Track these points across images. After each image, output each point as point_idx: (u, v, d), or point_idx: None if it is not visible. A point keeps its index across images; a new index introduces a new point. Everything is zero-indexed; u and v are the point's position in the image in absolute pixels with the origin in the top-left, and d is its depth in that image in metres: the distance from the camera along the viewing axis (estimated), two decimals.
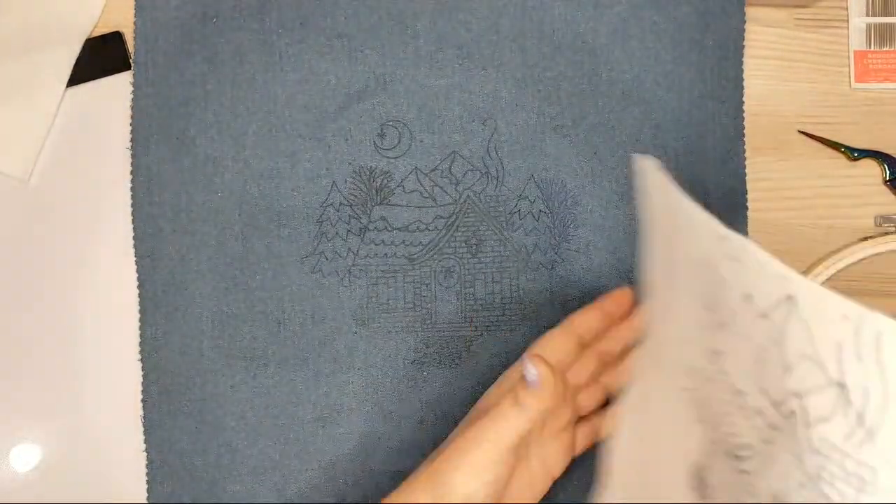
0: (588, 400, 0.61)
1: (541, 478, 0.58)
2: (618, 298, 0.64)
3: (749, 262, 0.34)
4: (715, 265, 0.37)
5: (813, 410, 0.30)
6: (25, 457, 0.71)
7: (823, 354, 0.30)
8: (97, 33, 0.74)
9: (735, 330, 0.36)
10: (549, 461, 0.58)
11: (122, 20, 0.74)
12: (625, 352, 0.61)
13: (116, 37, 0.74)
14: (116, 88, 0.73)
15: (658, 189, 0.44)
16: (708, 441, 0.38)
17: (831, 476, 0.29)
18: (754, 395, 0.34)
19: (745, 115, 0.73)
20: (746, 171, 0.73)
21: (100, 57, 0.73)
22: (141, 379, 0.71)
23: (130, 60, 0.73)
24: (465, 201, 0.72)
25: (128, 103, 0.73)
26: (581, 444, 0.61)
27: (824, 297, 0.30)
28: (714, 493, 0.38)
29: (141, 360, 0.71)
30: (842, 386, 0.29)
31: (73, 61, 0.73)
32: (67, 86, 0.73)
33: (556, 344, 0.61)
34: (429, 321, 0.72)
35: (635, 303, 0.63)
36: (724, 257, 0.36)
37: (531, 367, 0.54)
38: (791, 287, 0.31)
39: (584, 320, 0.63)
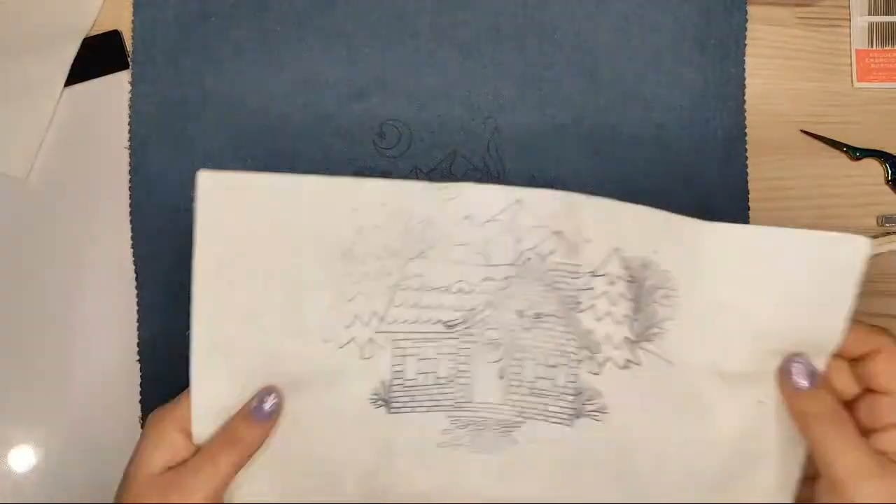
0: None
1: None
2: None
3: (467, 194, 0.55)
4: (413, 216, 0.55)
5: (547, 250, 0.56)
6: (24, 458, 0.71)
7: (547, 220, 0.55)
8: (95, 32, 0.74)
9: (441, 249, 0.56)
10: None
11: (121, 19, 0.74)
12: None
13: (115, 36, 0.74)
14: (114, 87, 0.73)
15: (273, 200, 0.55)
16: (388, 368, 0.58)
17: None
18: (475, 273, 0.57)
19: (746, 114, 0.73)
20: (748, 170, 0.73)
21: (98, 56, 0.73)
22: (139, 380, 0.71)
23: (128, 59, 0.73)
24: None
25: (126, 102, 0.73)
26: None
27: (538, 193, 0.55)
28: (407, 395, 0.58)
29: (139, 360, 0.71)
30: (559, 233, 0.56)
31: (71, 60, 0.73)
32: (65, 85, 0.73)
33: None
34: None
35: None
36: (439, 201, 0.55)
37: (273, 397, 0.54)
38: (517, 194, 0.55)
39: None
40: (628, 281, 0.56)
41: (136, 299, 0.72)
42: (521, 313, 0.57)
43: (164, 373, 0.71)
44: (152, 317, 0.71)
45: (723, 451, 0.57)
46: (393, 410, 0.58)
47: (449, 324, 0.58)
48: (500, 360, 0.58)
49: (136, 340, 0.72)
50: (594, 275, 0.56)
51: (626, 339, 0.57)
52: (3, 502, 0.70)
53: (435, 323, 0.57)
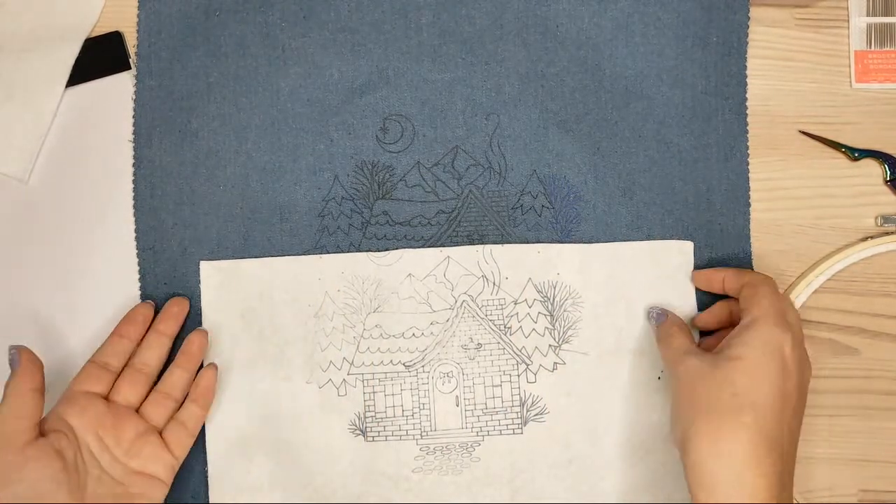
0: (157, 409, 0.68)
1: (136, 480, 0.65)
2: (131, 317, 0.69)
3: (407, 257, 0.72)
4: (366, 280, 0.72)
5: (476, 292, 0.72)
6: None
7: (472, 268, 0.72)
8: (97, 33, 0.74)
9: (393, 304, 0.72)
10: (140, 464, 0.65)
11: (122, 20, 0.74)
12: (161, 356, 0.69)
13: (116, 37, 0.74)
14: (116, 88, 0.74)
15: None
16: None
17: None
18: (422, 320, 0.72)
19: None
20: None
21: (99, 57, 0.73)
22: None
23: (130, 60, 0.73)
24: (467, 196, 0.72)
25: (127, 103, 0.73)
26: (177, 443, 0.67)
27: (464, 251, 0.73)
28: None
29: None
30: (483, 276, 0.72)
31: (72, 61, 0.73)
32: (67, 86, 0.73)
33: (84, 378, 0.66)
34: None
35: (149, 314, 0.70)
36: (385, 266, 0.72)
37: (11, 351, 0.63)
38: (446, 252, 0.72)
39: (103, 349, 0.68)
40: (543, 300, 0.72)
41: (139, 292, 0.72)
42: (465, 347, 0.72)
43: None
44: (155, 309, 0.71)
45: (641, 419, 0.72)
46: (369, 438, 0.71)
47: (407, 364, 0.72)
48: (455, 389, 0.72)
49: None
50: (516, 302, 0.72)
51: (551, 345, 0.72)
52: (4, 502, 0.70)
53: (396, 364, 0.72)
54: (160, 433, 0.67)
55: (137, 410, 0.67)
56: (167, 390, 0.68)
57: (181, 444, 0.67)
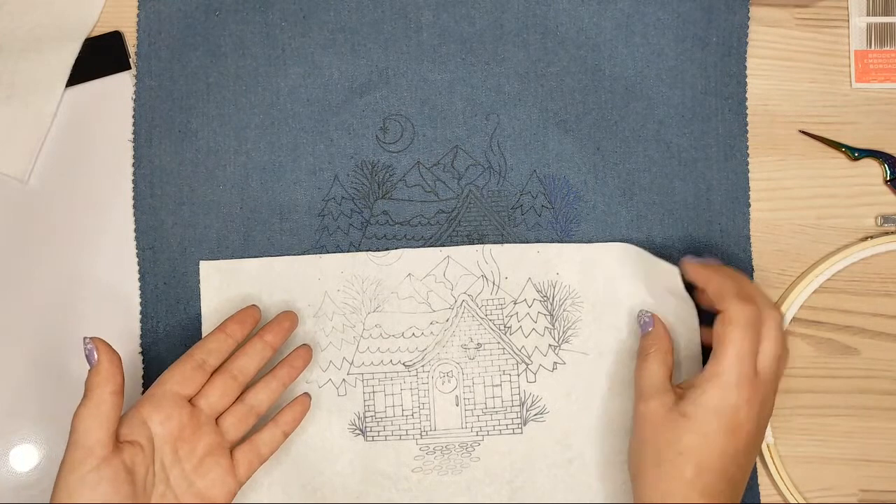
0: (238, 424, 0.64)
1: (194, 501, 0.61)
2: (241, 318, 0.67)
3: (407, 257, 0.72)
4: (366, 279, 0.72)
5: (476, 291, 0.72)
6: (25, 456, 0.71)
7: (472, 268, 0.72)
8: (97, 33, 0.74)
9: (393, 303, 0.72)
10: (205, 486, 0.62)
11: (122, 20, 0.74)
12: (259, 366, 0.66)
13: (116, 37, 0.74)
14: (116, 88, 0.73)
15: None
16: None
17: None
18: (422, 319, 0.72)
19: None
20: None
21: (99, 57, 0.73)
22: (142, 372, 0.71)
23: (130, 60, 0.73)
24: (467, 196, 0.72)
25: (127, 103, 0.73)
26: (245, 467, 0.64)
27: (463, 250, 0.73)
28: None
29: (142, 353, 0.72)
30: (483, 276, 0.72)
31: (72, 61, 0.73)
32: (67, 86, 0.73)
33: (179, 377, 0.62)
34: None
35: (258, 319, 0.68)
36: (384, 265, 0.72)
37: (87, 344, 0.59)
38: (446, 252, 0.72)
39: (206, 344, 0.64)
40: (542, 300, 0.72)
41: (139, 292, 0.72)
42: (464, 346, 0.72)
43: (167, 366, 0.70)
44: (154, 309, 0.72)
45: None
46: (368, 438, 0.71)
47: (407, 364, 0.72)
48: (454, 388, 0.72)
49: (139, 333, 0.72)
50: (516, 302, 0.72)
51: (550, 345, 0.72)
52: (4, 502, 0.70)
53: (396, 364, 0.72)
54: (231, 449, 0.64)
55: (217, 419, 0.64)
56: (254, 403, 0.65)
57: (249, 468, 0.64)
